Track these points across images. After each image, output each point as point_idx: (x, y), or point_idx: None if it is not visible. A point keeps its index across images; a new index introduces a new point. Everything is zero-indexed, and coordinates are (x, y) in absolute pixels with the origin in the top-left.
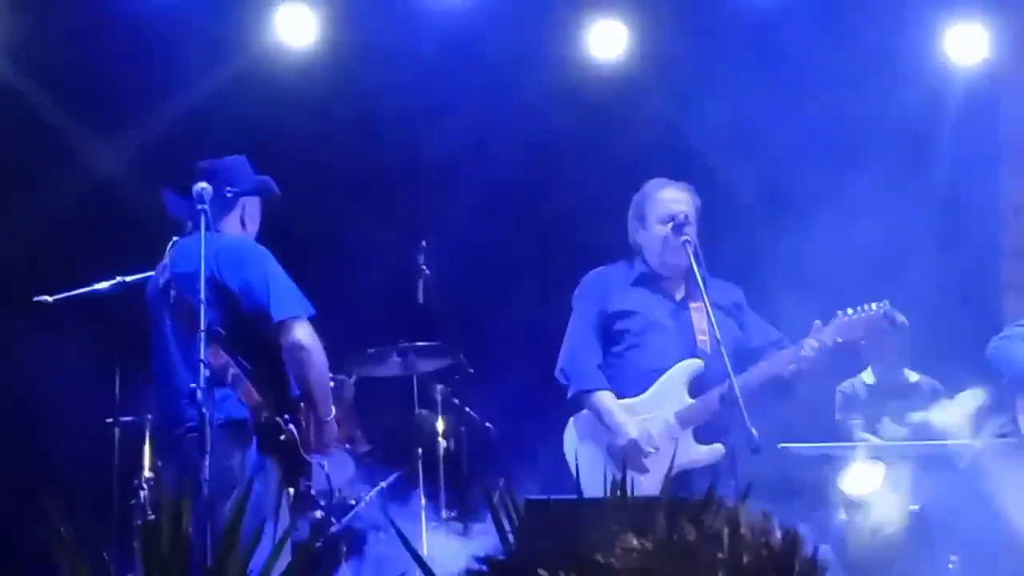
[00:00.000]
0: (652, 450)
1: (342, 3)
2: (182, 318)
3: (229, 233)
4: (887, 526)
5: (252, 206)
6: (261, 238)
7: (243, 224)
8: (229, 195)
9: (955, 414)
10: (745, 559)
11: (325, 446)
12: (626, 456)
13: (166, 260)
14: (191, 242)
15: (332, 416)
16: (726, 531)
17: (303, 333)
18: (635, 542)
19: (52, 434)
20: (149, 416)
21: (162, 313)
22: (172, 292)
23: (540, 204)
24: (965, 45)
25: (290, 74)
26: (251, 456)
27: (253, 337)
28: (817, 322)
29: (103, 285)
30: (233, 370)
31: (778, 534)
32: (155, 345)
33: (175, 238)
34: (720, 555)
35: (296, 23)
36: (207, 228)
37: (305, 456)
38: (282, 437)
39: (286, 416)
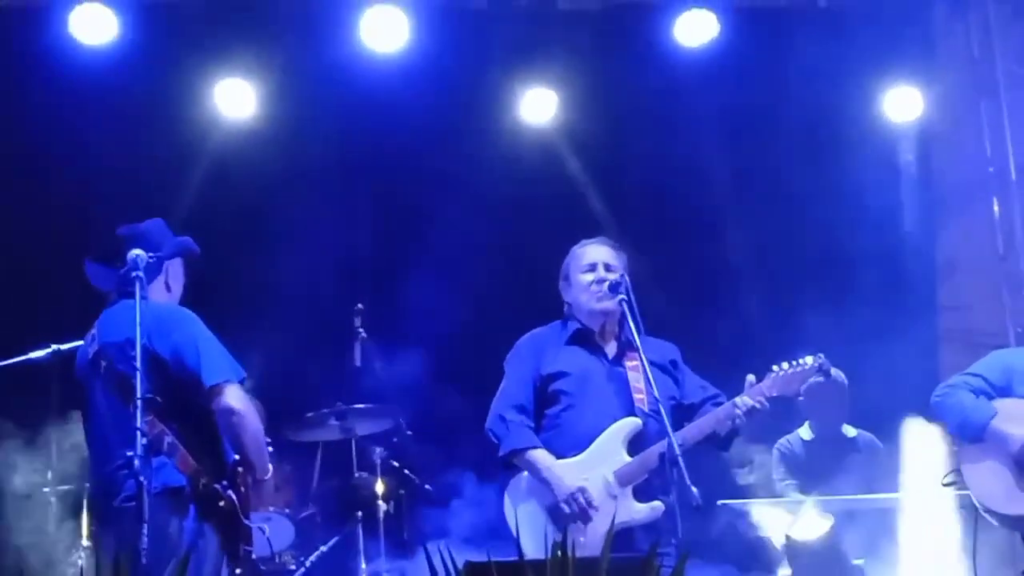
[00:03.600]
0: (593, 508)
1: (279, 78)
2: (113, 388)
3: (156, 299)
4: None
5: (175, 268)
6: (185, 300)
7: (168, 288)
8: (152, 260)
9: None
10: None
11: (263, 505)
12: (568, 507)
13: (94, 331)
14: (118, 311)
15: (269, 475)
16: None
17: (234, 397)
18: None
19: None
20: (87, 485)
21: (93, 384)
22: (102, 363)
23: (476, 265)
24: (901, 105)
25: (228, 143)
26: (189, 523)
27: (186, 403)
28: (750, 377)
29: (38, 354)
30: (168, 438)
31: None
32: (88, 416)
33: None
34: None
35: (235, 96)
36: (142, 294)
37: (245, 521)
38: (221, 503)
39: (224, 483)
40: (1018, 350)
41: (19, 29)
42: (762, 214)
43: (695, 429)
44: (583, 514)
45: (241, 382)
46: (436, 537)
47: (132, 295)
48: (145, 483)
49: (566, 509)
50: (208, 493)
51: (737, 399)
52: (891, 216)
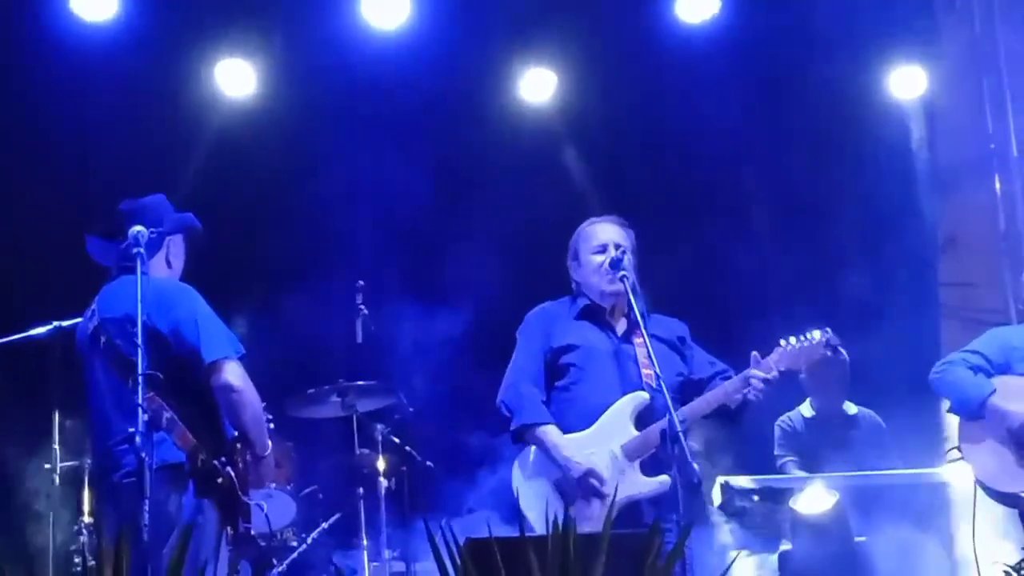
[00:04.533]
0: (597, 483)
1: (280, 57)
2: (113, 363)
3: (156, 275)
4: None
5: (176, 245)
6: (189, 275)
7: (168, 264)
8: (153, 235)
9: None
10: None
11: (263, 482)
12: (577, 490)
13: (94, 306)
14: (117, 287)
15: (269, 452)
16: None
17: (233, 374)
18: None
19: None
20: (88, 461)
21: (93, 359)
22: (102, 338)
23: (476, 241)
24: (904, 83)
25: (229, 122)
26: (188, 499)
27: (186, 380)
28: (755, 353)
29: (40, 330)
30: (167, 414)
31: None
32: (89, 392)
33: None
34: None
35: (236, 75)
36: (143, 264)
37: (243, 498)
38: (219, 480)
39: (222, 459)
40: (1017, 328)
41: (18, 5)
42: (763, 192)
43: (703, 403)
44: (586, 500)
45: (240, 359)
46: (437, 514)
47: (133, 270)
48: (147, 458)
49: (578, 493)
50: (207, 469)
51: (749, 371)
52: (893, 193)
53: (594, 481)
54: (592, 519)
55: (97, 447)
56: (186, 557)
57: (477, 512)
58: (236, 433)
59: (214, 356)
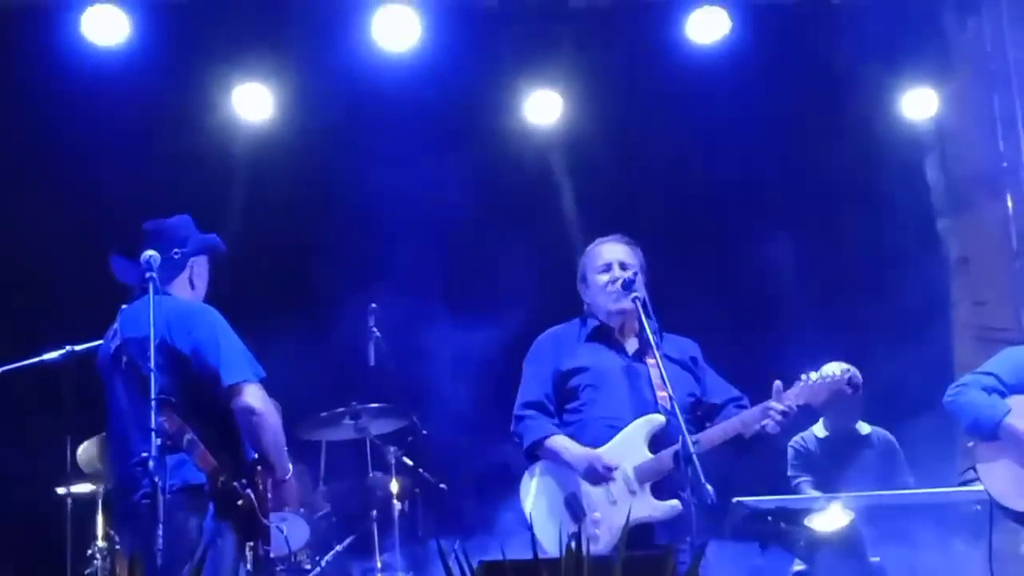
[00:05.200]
0: (604, 469)
1: (295, 80)
2: (134, 384)
3: (178, 295)
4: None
5: (200, 266)
6: (209, 298)
7: (192, 284)
8: (177, 256)
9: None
10: None
11: (285, 505)
12: (588, 477)
13: (116, 326)
14: (140, 306)
15: (290, 475)
16: None
17: (253, 397)
18: None
19: (4, 505)
20: (102, 486)
21: (114, 379)
22: (124, 358)
23: (490, 266)
24: (916, 103)
25: (245, 147)
26: (208, 522)
27: (206, 401)
28: (777, 383)
29: (53, 355)
30: (188, 435)
31: None
32: (109, 412)
33: (123, 306)
34: None
35: (251, 99)
36: (155, 294)
37: (263, 520)
38: (239, 502)
39: (243, 480)
40: None
41: (31, 29)
42: (773, 213)
43: (719, 431)
44: (604, 479)
45: (261, 381)
46: (450, 536)
47: (158, 291)
48: (160, 483)
49: (588, 481)
50: (227, 491)
51: (769, 403)
52: (905, 212)
53: (604, 465)
54: (602, 540)
55: (117, 467)
56: None
57: (490, 534)
58: (256, 456)
59: (234, 379)
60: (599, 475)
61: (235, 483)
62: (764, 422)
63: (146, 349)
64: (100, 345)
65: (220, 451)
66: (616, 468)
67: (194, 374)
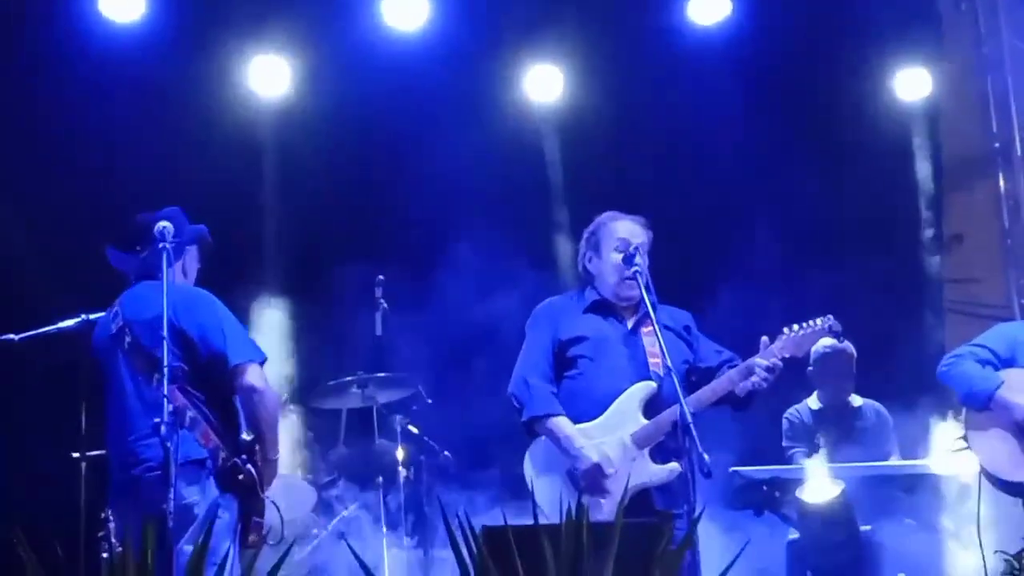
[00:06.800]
0: (612, 471)
1: (313, 55)
2: (138, 364)
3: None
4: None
5: (191, 255)
6: (202, 279)
7: (184, 273)
8: (173, 244)
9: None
10: None
11: (268, 484)
12: (588, 480)
13: (116, 308)
14: (143, 290)
15: (278, 456)
16: None
17: (256, 377)
18: None
19: (19, 469)
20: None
21: (115, 358)
22: (127, 338)
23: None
24: (910, 83)
25: (260, 121)
26: (210, 493)
27: (209, 382)
28: (764, 338)
29: (69, 323)
30: (191, 412)
31: None
32: (109, 389)
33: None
34: None
35: (270, 73)
36: (169, 265)
37: (261, 494)
38: (240, 477)
39: (243, 457)
40: (1022, 323)
41: (48, 7)
42: (771, 191)
43: (708, 391)
44: (598, 490)
45: (261, 363)
46: (454, 503)
47: (153, 277)
48: (172, 448)
49: (583, 484)
50: (228, 467)
51: (754, 359)
52: (898, 190)
53: (601, 474)
54: (602, 508)
55: (115, 445)
56: (207, 551)
57: (493, 501)
58: (249, 436)
59: (240, 359)
60: (596, 480)
61: (236, 459)
62: (752, 379)
63: (155, 329)
64: (97, 327)
65: (221, 429)
66: (615, 472)
67: (199, 355)
